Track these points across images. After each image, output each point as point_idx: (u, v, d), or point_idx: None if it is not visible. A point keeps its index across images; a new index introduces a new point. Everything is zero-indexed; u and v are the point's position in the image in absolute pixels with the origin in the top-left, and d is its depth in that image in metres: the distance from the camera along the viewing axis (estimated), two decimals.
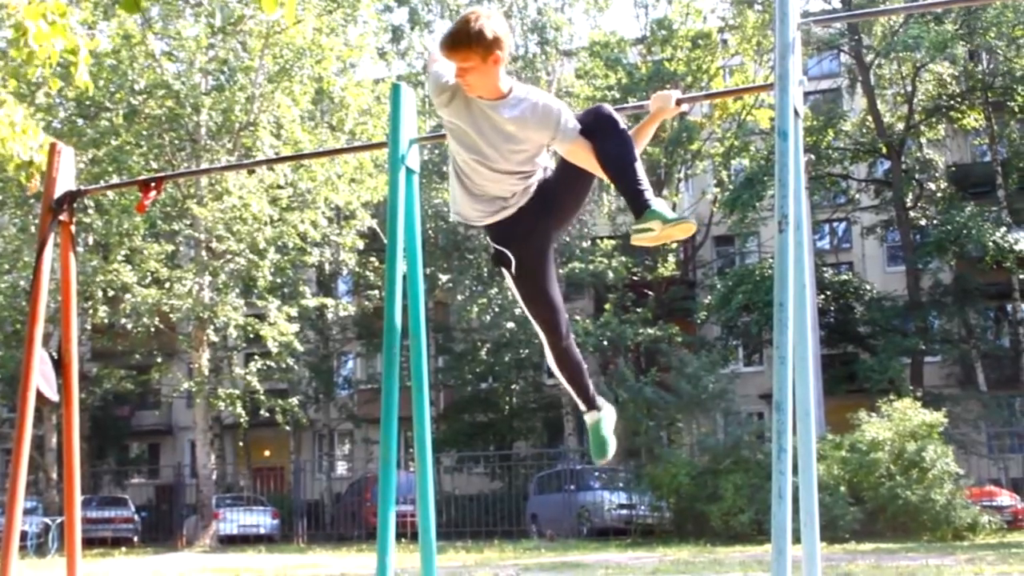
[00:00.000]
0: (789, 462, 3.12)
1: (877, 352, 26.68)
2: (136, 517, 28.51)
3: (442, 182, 28.14)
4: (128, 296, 22.61)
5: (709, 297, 30.54)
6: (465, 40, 3.44)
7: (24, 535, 20.36)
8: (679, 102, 3.84)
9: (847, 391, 26.12)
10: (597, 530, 20.96)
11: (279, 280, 24.88)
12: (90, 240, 24.22)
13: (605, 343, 27.30)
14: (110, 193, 21.40)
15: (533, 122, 3.61)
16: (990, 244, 25.97)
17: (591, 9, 30.79)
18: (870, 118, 29.27)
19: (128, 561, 17.90)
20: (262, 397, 24.82)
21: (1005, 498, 20.75)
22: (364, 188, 23.61)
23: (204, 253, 23.34)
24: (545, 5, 30.28)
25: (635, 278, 30.72)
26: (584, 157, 3.63)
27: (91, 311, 22.93)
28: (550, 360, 4.04)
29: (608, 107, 3.67)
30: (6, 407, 33.44)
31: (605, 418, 4.10)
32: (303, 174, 23.05)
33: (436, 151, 27.74)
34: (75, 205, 4.82)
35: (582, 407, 4.13)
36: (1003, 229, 26.61)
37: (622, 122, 3.62)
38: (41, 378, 4.54)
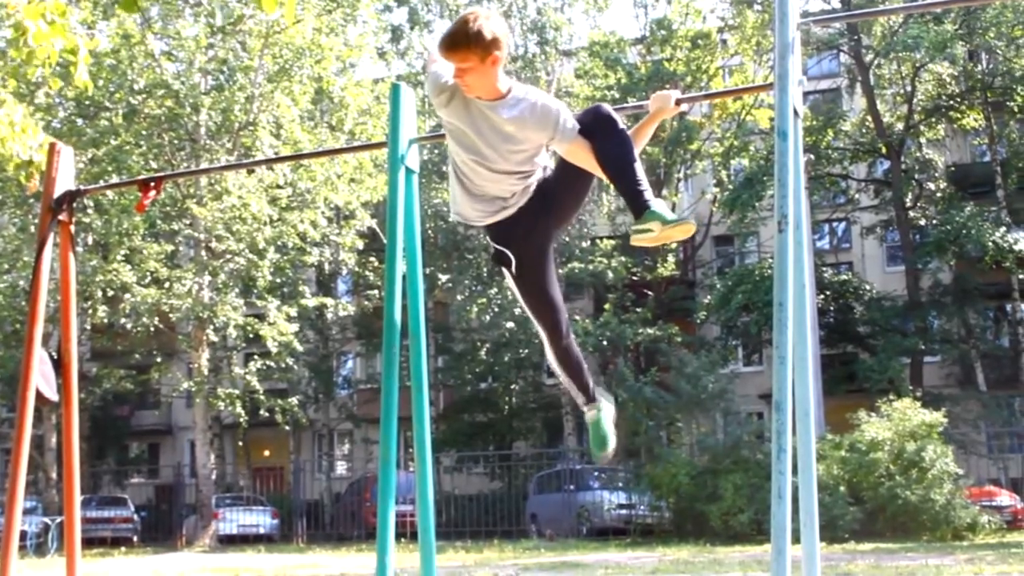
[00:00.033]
0: (789, 462, 3.12)
1: (877, 352, 26.68)
2: (136, 517, 28.50)
3: (442, 182, 28.15)
4: (128, 296, 22.60)
5: (709, 297, 30.54)
6: (463, 41, 3.44)
7: (24, 535, 20.35)
8: (678, 102, 3.84)
9: (847, 391, 26.12)
10: (597, 530, 20.96)
11: (279, 280, 24.89)
12: (90, 240, 24.23)
13: (605, 343, 27.29)
14: (110, 193, 21.41)
15: (532, 122, 3.61)
16: (989, 244, 25.96)
17: (591, 9, 30.80)
18: (870, 118, 29.27)
19: (128, 561, 17.89)
20: (262, 397, 24.82)
21: (1004, 498, 20.75)
22: (364, 188, 23.61)
23: (204, 253, 23.34)
24: (545, 5, 30.28)
25: (635, 278, 30.73)
26: (583, 157, 3.63)
27: (91, 311, 22.93)
28: (550, 358, 4.05)
29: (607, 107, 3.67)
30: (6, 407, 33.43)
31: (605, 413, 4.12)
32: (303, 174, 23.05)
33: (436, 151, 27.74)
34: (75, 205, 4.81)
35: (582, 403, 4.14)
36: (1002, 229, 26.60)
37: (621, 122, 3.62)
38: (41, 378, 4.54)
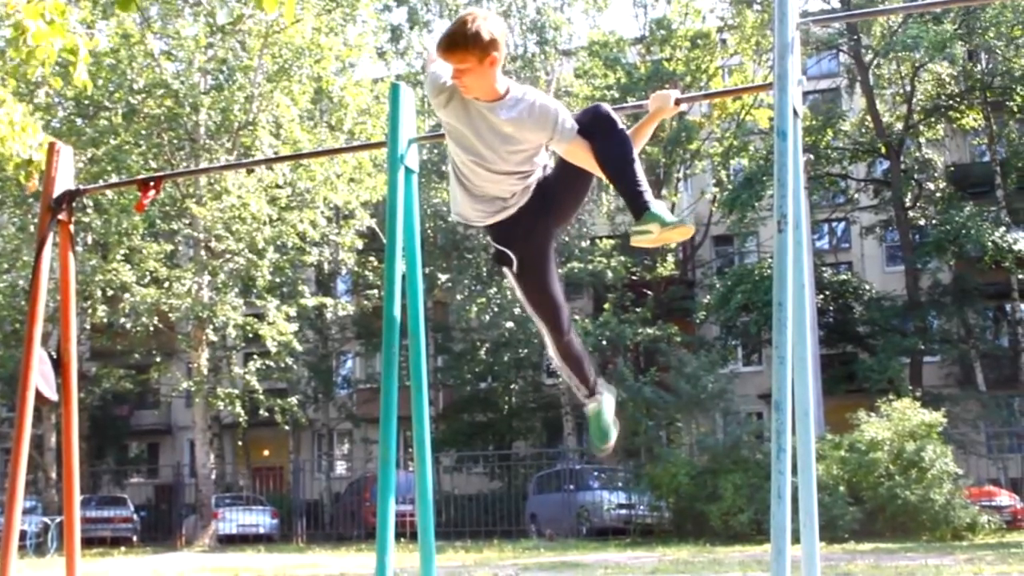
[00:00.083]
0: (788, 462, 3.12)
1: (876, 352, 26.68)
2: (135, 517, 28.50)
3: (441, 182, 28.15)
4: (127, 295, 22.60)
5: (708, 297, 30.55)
6: (462, 42, 3.43)
7: (23, 534, 20.35)
8: (678, 102, 3.84)
9: (846, 391, 26.12)
10: (596, 530, 20.96)
11: (278, 280, 24.89)
12: (89, 239, 24.21)
13: (604, 343, 27.30)
14: (109, 192, 21.42)
15: (530, 123, 3.61)
16: (989, 244, 25.96)
17: (590, 9, 30.80)
18: (869, 118, 29.27)
19: (127, 561, 17.89)
20: (261, 397, 24.82)
21: (1004, 498, 20.75)
22: (363, 188, 23.61)
23: (203, 252, 23.34)
24: (544, 5, 30.28)
25: (634, 278, 30.73)
26: (583, 157, 3.63)
27: (90, 310, 22.93)
28: (553, 354, 4.05)
29: (606, 107, 3.66)
30: (5, 406, 33.42)
31: (606, 405, 4.11)
32: (302, 173, 23.05)
33: (435, 151, 27.74)
34: (74, 204, 4.82)
35: (583, 396, 4.12)
36: (1002, 229, 26.60)
37: (620, 122, 3.61)
38: (40, 377, 4.54)
